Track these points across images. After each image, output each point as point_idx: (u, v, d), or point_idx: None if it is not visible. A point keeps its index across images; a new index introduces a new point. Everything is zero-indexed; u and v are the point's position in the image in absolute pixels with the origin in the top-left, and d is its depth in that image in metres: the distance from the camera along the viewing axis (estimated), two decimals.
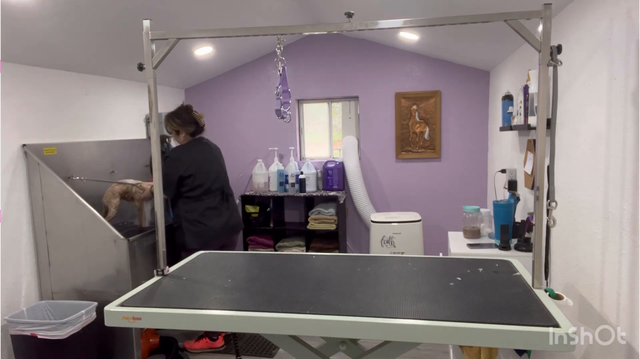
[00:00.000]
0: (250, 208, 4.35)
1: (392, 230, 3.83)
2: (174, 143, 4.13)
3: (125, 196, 3.07)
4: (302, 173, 4.27)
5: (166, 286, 1.77)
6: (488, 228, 2.94)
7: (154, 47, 1.86)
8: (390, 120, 4.31)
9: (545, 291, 1.57)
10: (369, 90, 4.33)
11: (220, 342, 3.19)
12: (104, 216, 2.85)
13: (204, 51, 3.72)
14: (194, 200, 2.96)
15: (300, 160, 4.58)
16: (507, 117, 2.91)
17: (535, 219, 1.63)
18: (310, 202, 4.38)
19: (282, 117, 2.04)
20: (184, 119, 3.00)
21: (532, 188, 2.47)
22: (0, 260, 2.57)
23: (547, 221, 1.62)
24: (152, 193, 3.03)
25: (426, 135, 4.25)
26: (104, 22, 2.56)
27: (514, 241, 2.62)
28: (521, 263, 1.92)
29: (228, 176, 3.27)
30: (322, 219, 4.13)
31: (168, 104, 4.36)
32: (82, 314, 2.51)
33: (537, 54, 1.58)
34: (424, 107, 4.22)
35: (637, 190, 1.40)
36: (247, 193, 4.38)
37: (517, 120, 2.62)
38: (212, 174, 3.03)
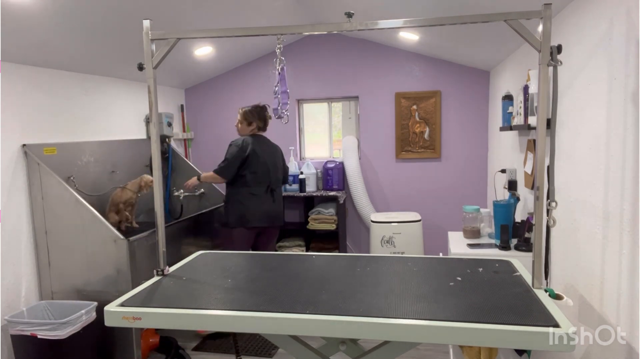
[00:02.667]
0: None
1: (392, 230, 3.83)
2: (173, 144, 4.14)
3: (124, 206, 3.10)
4: (302, 173, 4.27)
5: (166, 286, 1.77)
6: (488, 228, 2.94)
7: (154, 47, 1.86)
8: (390, 120, 4.31)
9: (545, 291, 1.57)
10: (369, 90, 4.33)
11: None
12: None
13: (204, 51, 3.72)
14: (240, 184, 3.22)
15: (300, 160, 4.58)
16: (507, 117, 2.91)
17: (535, 219, 1.63)
18: (310, 202, 4.38)
19: (280, 117, 2.04)
20: (259, 114, 3.35)
21: (532, 188, 2.47)
22: (0, 260, 2.57)
23: (547, 221, 1.62)
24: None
25: (426, 135, 4.25)
26: (104, 22, 2.56)
27: (514, 241, 2.62)
28: (521, 263, 1.92)
29: (280, 176, 3.45)
30: (322, 219, 4.13)
31: (168, 104, 4.36)
32: (82, 314, 2.51)
33: (537, 54, 1.58)
34: (424, 107, 4.22)
35: (637, 190, 1.40)
36: None
37: (517, 120, 2.62)
38: (266, 167, 3.27)
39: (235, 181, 3.23)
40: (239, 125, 3.38)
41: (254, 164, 3.22)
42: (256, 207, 3.24)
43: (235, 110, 4.57)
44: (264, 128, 3.42)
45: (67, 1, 2.21)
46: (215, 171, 3.21)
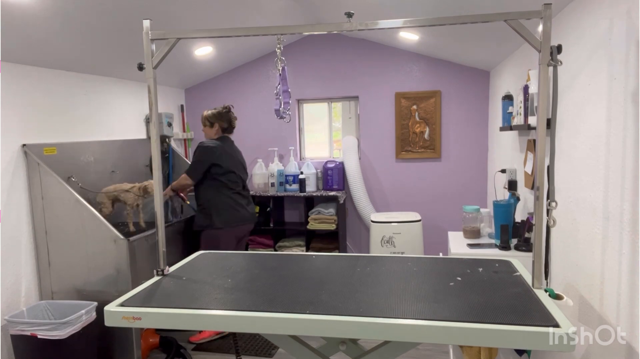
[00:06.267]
0: None
1: (392, 230, 3.83)
2: (173, 144, 4.14)
3: (120, 199, 3.06)
4: (302, 173, 4.27)
5: (166, 286, 1.77)
6: (488, 228, 2.94)
7: (154, 47, 1.86)
8: (390, 120, 4.31)
9: (545, 291, 1.57)
10: (369, 90, 4.33)
11: None
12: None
13: (204, 51, 3.72)
14: (224, 186, 3.18)
15: (300, 160, 4.58)
16: (507, 117, 2.91)
17: (535, 219, 1.63)
18: (310, 202, 4.38)
19: (282, 117, 2.04)
20: (222, 115, 3.32)
21: (532, 188, 2.47)
22: (0, 260, 2.57)
23: (547, 221, 1.62)
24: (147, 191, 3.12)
25: (426, 135, 4.25)
26: (104, 22, 2.56)
27: (514, 241, 2.62)
28: (521, 263, 1.92)
29: (246, 177, 3.46)
30: (322, 219, 4.13)
31: (168, 104, 4.36)
32: (82, 314, 2.51)
33: (537, 54, 1.58)
34: (424, 107, 4.22)
35: (637, 190, 1.40)
36: None
37: (517, 120, 2.62)
38: (239, 167, 3.30)
39: (215, 181, 3.16)
40: (203, 129, 3.35)
41: (231, 165, 3.21)
42: (243, 209, 3.26)
43: (236, 109, 4.58)
44: (229, 130, 3.37)
45: (67, 1, 2.20)
46: (187, 172, 3.18)
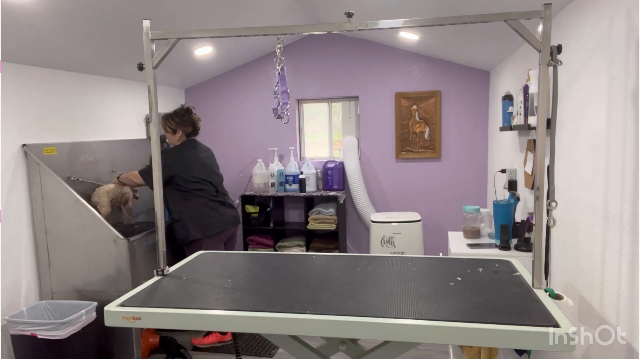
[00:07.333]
0: (250, 208, 4.35)
1: (392, 230, 3.83)
2: None
3: (120, 199, 3.07)
4: (302, 173, 4.28)
5: (166, 286, 1.78)
6: (488, 228, 2.94)
7: (154, 47, 1.86)
8: (390, 120, 4.31)
9: (545, 291, 1.57)
10: (369, 90, 4.33)
11: (229, 336, 3.22)
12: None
13: (204, 51, 3.72)
14: (192, 196, 3.04)
15: (300, 160, 4.58)
16: (507, 117, 2.91)
17: (535, 219, 1.63)
18: (310, 202, 4.38)
19: (279, 117, 2.04)
20: (183, 119, 3.11)
21: (532, 188, 2.47)
22: (0, 260, 2.57)
23: (547, 221, 1.62)
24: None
25: (426, 135, 4.25)
26: (104, 22, 2.56)
27: (514, 241, 2.62)
28: (521, 263, 1.92)
29: (222, 176, 3.34)
30: (322, 219, 4.13)
31: (168, 104, 4.36)
32: (82, 314, 2.52)
33: (537, 54, 1.58)
34: (424, 107, 4.22)
35: (637, 190, 1.40)
36: (247, 193, 4.38)
37: (517, 120, 2.62)
38: (208, 172, 3.14)
39: (182, 192, 3.01)
40: (165, 134, 3.13)
41: (195, 173, 3.03)
42: (215, 216, 3.09)
43: (236, 109, 4.60)
44: (194, 133, 3.14)
45: (67, 1, 2.20)
46: (140, 171, 2.98)
